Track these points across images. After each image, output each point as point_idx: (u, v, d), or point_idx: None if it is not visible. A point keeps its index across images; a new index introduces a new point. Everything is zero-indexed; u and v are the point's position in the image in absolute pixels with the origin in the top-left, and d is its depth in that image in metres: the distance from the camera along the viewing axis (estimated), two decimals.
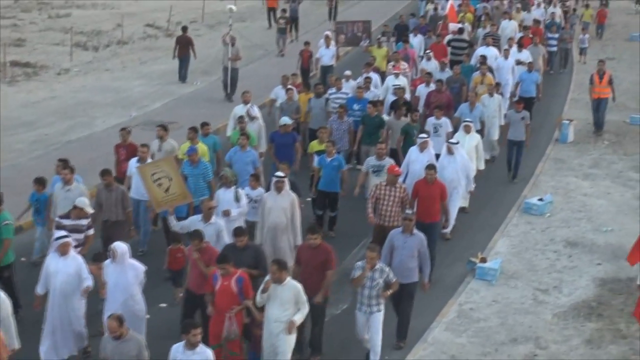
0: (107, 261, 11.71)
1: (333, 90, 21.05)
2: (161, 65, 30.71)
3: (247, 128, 17.69)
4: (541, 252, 16.34)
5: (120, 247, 11.67)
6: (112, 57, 31.92)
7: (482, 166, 18.16)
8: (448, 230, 16.45)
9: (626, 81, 29.88)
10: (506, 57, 24.82)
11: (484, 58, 23.89)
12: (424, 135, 17.02)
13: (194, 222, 13.16)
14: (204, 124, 17.44)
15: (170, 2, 41.32)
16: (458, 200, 16.71)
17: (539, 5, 34.59)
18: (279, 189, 14.04)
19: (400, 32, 29.02)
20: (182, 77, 28.11)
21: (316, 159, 16.80)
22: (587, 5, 37.62)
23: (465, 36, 28.46)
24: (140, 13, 40.44)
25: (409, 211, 13.39)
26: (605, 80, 23.38)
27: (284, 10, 32.96)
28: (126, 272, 11.60)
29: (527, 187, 19.70)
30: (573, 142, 23.06)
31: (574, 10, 36.20)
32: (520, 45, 26.05)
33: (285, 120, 17.95)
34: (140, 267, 11.80)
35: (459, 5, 33.67)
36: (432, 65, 23.84)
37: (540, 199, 18.47)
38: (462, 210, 17.42)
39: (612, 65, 32.03)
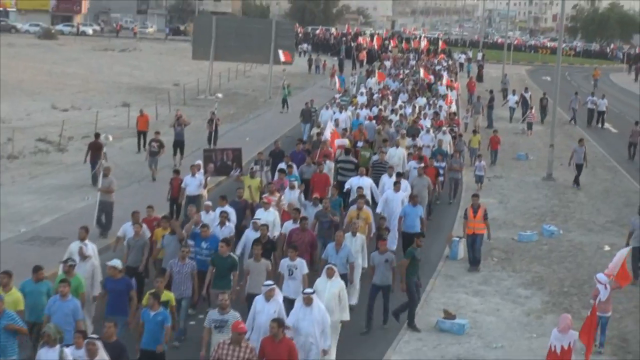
0: None
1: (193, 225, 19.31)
2: (52, 180, 30.49)
3: (76, 270, 15.89)
4: None
5: None
6: (2, 171, 31.49)
7: (347, 317, 16.22)
8: None
9: (514, 199, 30.96)
10: (397, 190, 23.43)
11: (361, 190, 22.80)
12: (269, 282, 15.09)
13: None
14: (37, 268, 15.41)
15: (62, 117, 41.32)
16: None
17: (428, 131, 32.96)
18: (91, 354, 12.35)
19: (276, 160, 27.35)
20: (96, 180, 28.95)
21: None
22: (475, 132, 37.33)
23: (351, 157, 27.83)
24: (31, 127, 40.23)
25: None
26: (480, 214, 22.34)
27: (157, 133, 31.15)
28: None
29: (419, 303, 19.97)
30: (463, 259, 23.50)
31: (460, 136, 35.80)
32: (423, 175, 25.42)
33: (115, 263, 15.99)
34: None
35: (344, 130, 33.03)
36: (294, 196, 22.45)
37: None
38: None
39: (500, 183, 33.33)
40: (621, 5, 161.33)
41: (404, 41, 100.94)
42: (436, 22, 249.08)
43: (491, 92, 51.08)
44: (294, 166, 25.50)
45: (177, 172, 25.35)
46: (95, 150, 29.09)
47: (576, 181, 33.51)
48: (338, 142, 29.59)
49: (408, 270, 18.07)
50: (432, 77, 56.50)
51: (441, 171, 28.45)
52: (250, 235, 19.05)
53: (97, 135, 30.26)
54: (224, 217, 19.74)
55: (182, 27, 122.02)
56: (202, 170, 24.97)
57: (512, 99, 51.08)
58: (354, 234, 19.19)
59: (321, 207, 21.23)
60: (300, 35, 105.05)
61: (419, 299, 18.82)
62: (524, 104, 50.08)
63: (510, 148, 40.80)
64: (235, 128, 42.67)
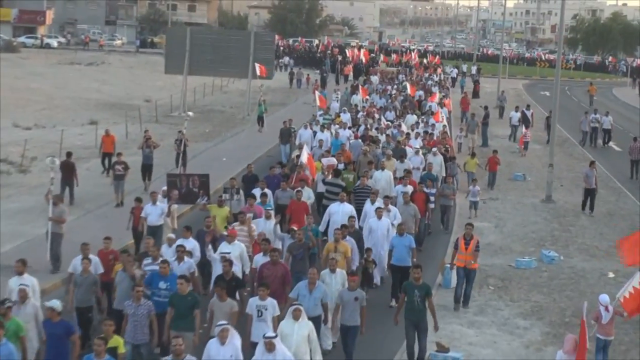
0: None
1: (149, 260, 18.54)
2: (13, 203, 30.32)
3: (15, 312, 15.48)
4: None
5: None
6: None
7: (320, 358, 15.84)
8: None
9: (510, 223, 31.01)
10: (379, 217, 22.59)
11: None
12: (222, 322, 14.66)
13: None
14: None
15: (25, 136, 41.15)
16: None
17: (417, 152, 32.26)
18: None
19: (249, 186, 26.75)
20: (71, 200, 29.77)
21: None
22: (473, 154, 36.43)
23: (340, 180, 27.29)
24: None
25: None
26: (472, 246, 21.60)
27: (119, 154, 30.64)
28: None
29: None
30: None
31: (453, 158, 34.56)
32: (409, 202, 24.72)
33: (53, 303, 15.49)
34: None
35: (326, 151, 31.87)
36: (269, 227, 21.65)
37: None
38: None
39: (496, 205, 33.36)
40: (624, 15, 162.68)
41: (392, 54, 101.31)
42: (427, 34, 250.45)
43: (486, 108, 50.90)
44: (269, 194, 24.96)
45: (138, 200, 24.83)
46: (68, 170, 29.61)
47: (586, 206, 33.02)
48: (325, 161, 29.26)
49: (406, 307, 17.58)
50: (421, 93, 56.18)
51: (432, 198, 27.83)
52: (216, 268, 18.82)
53: (68, 154, 30.66)
54: (181, 251, 18.87)
55: (150, 39, 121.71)
56: (162, 197, 24.48)
57: (515, 116, 50.40)
58: (332, 271, 18.33)
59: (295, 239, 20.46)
60: (283, 48, 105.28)
61: (424, 344, 17.90)
62: (525, 121, 49.43)
63: (507, 168, 40.75)
64: (210, 147, 42.68)
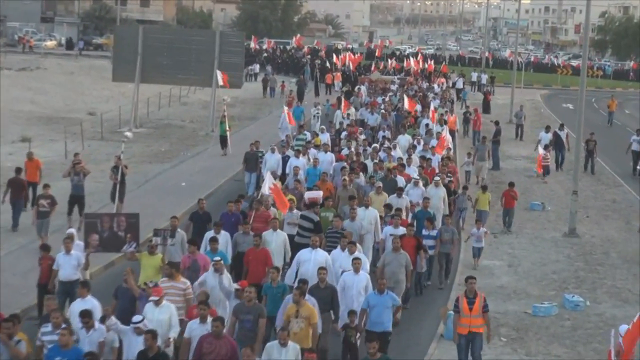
0: None
1: (48, 327, 17.21)
2: None
3: None
4: None
5: None
6: None
7: None
8: None
9: (527, 261, 30.99)
10: (357, 270, 21.08)
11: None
12: None
13: None
14: None
15: None
16: None
17: (416, 184, 30.89)
18: None
19: (199, 227, 25.69)
20: (15, 225, 30.58)
21: None
22: (485, 188, 34.71)
23: (312, 213, 26.09)
24: None
25: None
26: (478, 306, 19.97)
27: (46, 186, 29.38)
28: None
29: None
30: None
31: (465, 189, 34.50)
32: (400, 249, 23.16)
33: None
34: None
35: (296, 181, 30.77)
36: (213, 282, 20.07)
37: None
38: None
39: (510, 240, 33.33)
40: None
41: (389, 59, 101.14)
42: (426, 34, 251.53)
43: (497, 123, 50.88)
44: (224, 238, 23.69)
45: (46, 248, 23.31)
46: (17, 188, 30.42)
47: None
48: (308, 195, 28.18)
49: None
50: (418, 107, 54.58)
51: (431, 242, 27.00)
52: (132, 343, 17.22)
53: (18, 171, 31.33)
54: (86, 320, 17.28)
55: (82, 40, 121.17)
56: (79, 243, 22.86)
57: (545, 137, 48.22)
58: (282, 344, 16.86)
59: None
60: (266, 54, 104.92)
61: None
62: (558, 144, 48.30)
63: (523, 196, 40.06)
64: (167, 170, 42.55)
